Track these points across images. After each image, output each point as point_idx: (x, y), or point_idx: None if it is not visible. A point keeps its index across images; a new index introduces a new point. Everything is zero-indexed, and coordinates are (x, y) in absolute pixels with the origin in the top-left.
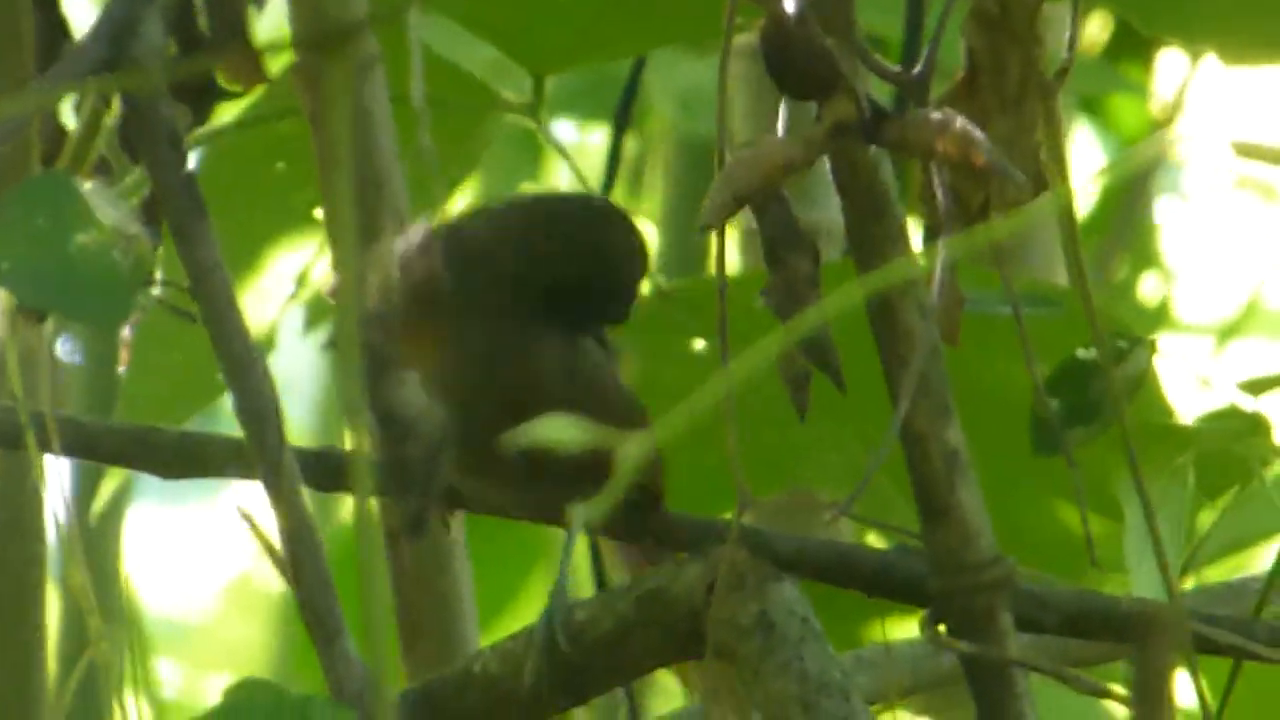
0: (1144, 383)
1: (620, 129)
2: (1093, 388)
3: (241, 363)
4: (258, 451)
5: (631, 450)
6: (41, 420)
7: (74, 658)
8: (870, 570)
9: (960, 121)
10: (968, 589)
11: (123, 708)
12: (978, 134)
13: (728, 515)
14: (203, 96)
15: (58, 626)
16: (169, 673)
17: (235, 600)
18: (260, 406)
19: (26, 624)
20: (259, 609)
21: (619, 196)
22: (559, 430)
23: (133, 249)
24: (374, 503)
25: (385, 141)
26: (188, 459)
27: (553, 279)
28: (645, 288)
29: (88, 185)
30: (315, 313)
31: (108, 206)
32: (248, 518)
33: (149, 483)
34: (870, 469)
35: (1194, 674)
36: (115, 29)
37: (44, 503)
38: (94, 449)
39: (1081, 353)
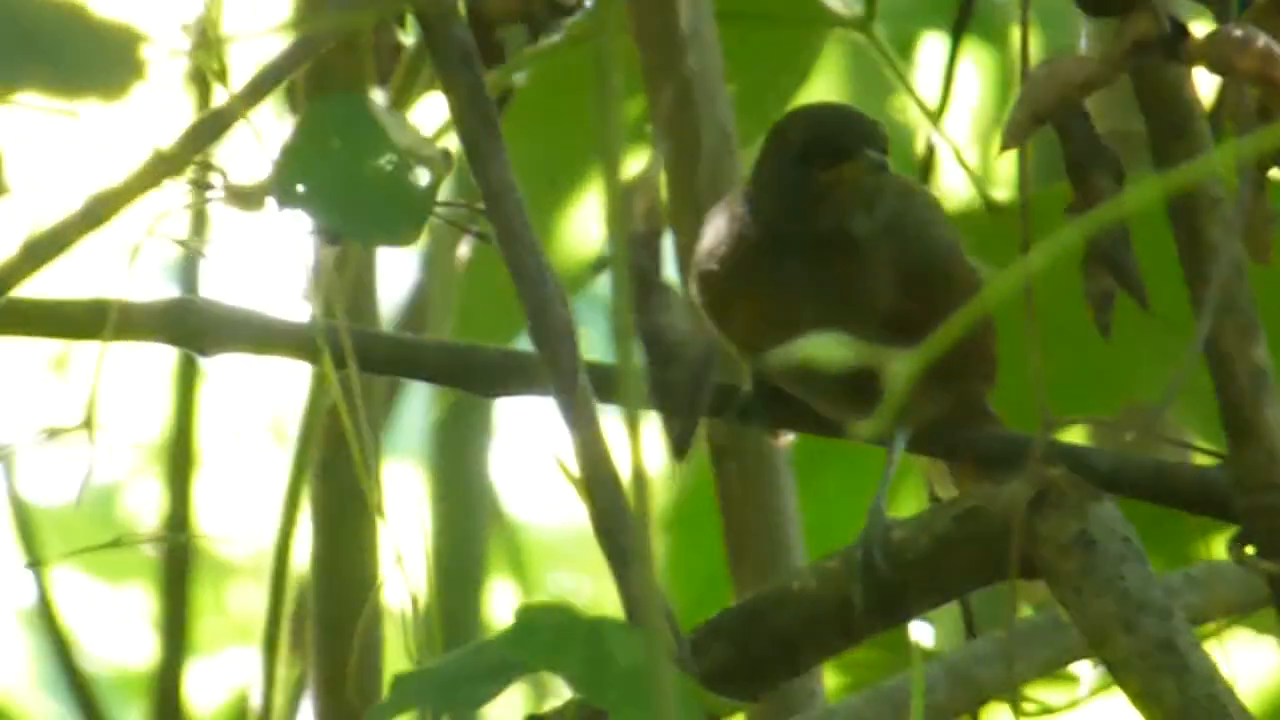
0: None
1: (957, 40)
2: None
3: (534, 282)
4: (552, 372)
5: (901, 369)
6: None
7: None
8: (1190, 487)
9: (1263, 39)
10: (1275, 507)
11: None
12: (1277, 51)
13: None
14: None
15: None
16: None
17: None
18: (555, 325)
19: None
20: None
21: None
22: (825, 348)
23: (427, 170)
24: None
25: (712, 60)
26: (508, 376)
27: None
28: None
29: (380, 105)
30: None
31: (401, 128)
32: (559, 460)
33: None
34: (1172, 387)
35: None
36: None
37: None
38: (417, 367)
39: None
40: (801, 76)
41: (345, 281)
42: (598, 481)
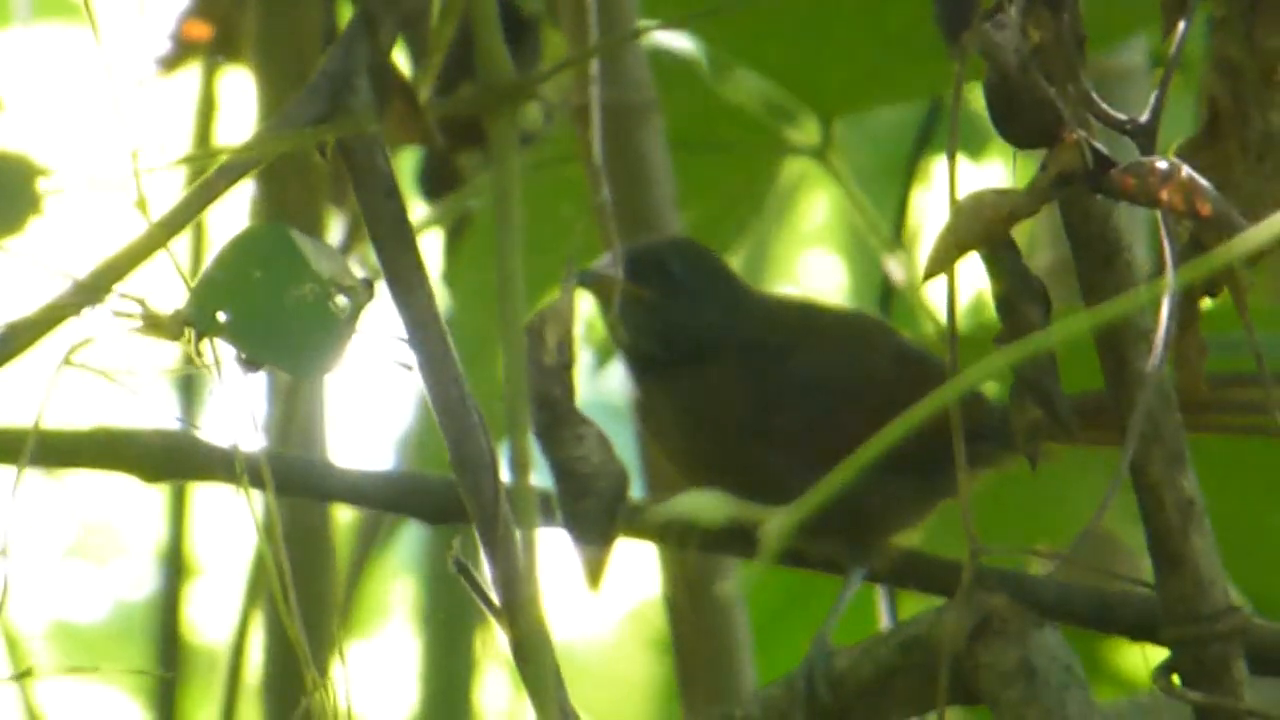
0: None
1: (911, 174)
2: None
3: (455, 413)
4: (473, 501)
5: (779, 524)
6: (293, 464)
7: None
8: (1133, 616)
9: (1186, 170)
10: (1201, 638)
11: None
12: (1204, 183)
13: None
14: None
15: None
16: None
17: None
18: (476, 455)
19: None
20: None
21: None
22: (703, 506)
23: (349, 299)
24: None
25: (661, 185)
26: (449, 505)
27: None
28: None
29: (302, 236)
30: (605, 352)
31: (324, 258)
32: (463, 566)
33: None
34: (1096, 516)
35: None
36: (333, 84)
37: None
38: (360, 496)
39: None
40: (758, 204)
41: (288, 411)
42: (516, 608)
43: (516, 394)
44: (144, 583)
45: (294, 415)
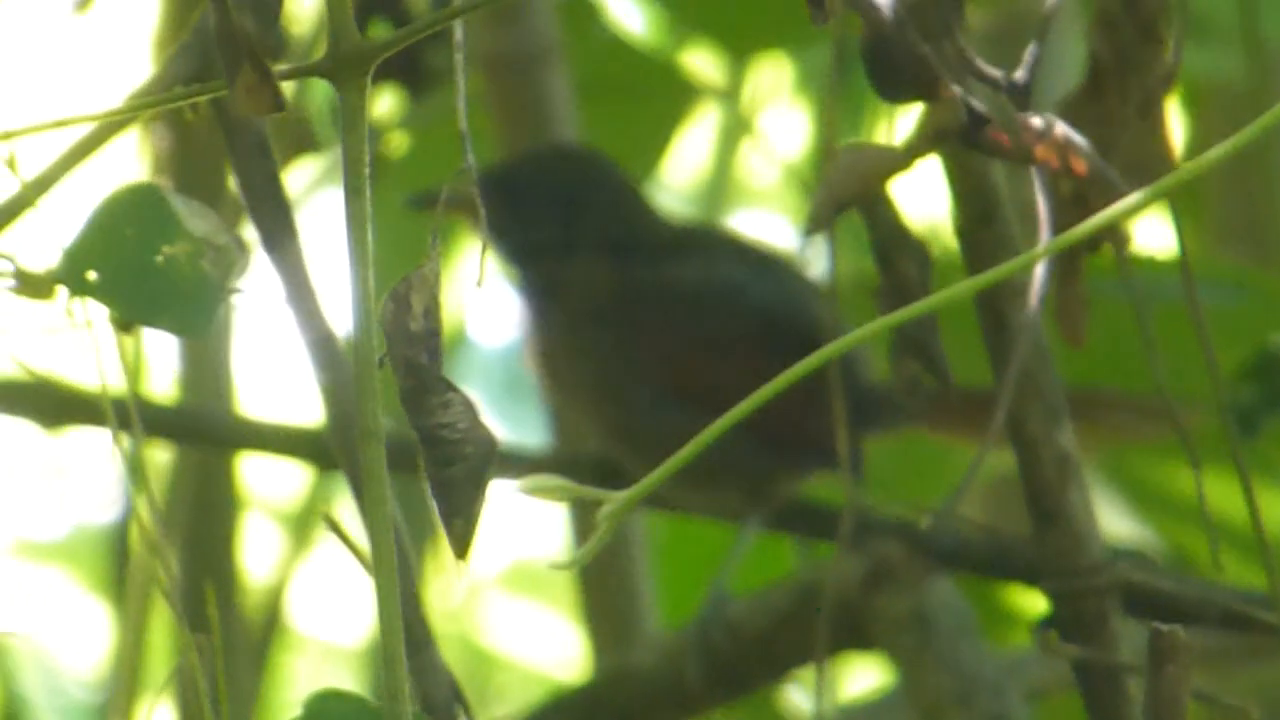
0: None
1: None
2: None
3: (331, 369)
4: (341, 450)
5: (619, 503)
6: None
7: None
8: (1031, 564)
9: (1060, 127)
10: (1078, 592)
11: None
12: (1079, 141)
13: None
14: (414, 80)
15: None
16: None
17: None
18: (349, 414)
19: None
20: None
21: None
22: (543, 486)
23: (222, 259)
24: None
25: (564, 131)
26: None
27: None
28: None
29: (176, 195)
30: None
31: (197, 216)
32: (332, 521)
33: None
34: (970, 472)
35: None
36: (205, 42)
37: None
38: (249, 443)
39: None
40: (663, 149)
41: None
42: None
43: (366, 365)
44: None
45: (203, 369)
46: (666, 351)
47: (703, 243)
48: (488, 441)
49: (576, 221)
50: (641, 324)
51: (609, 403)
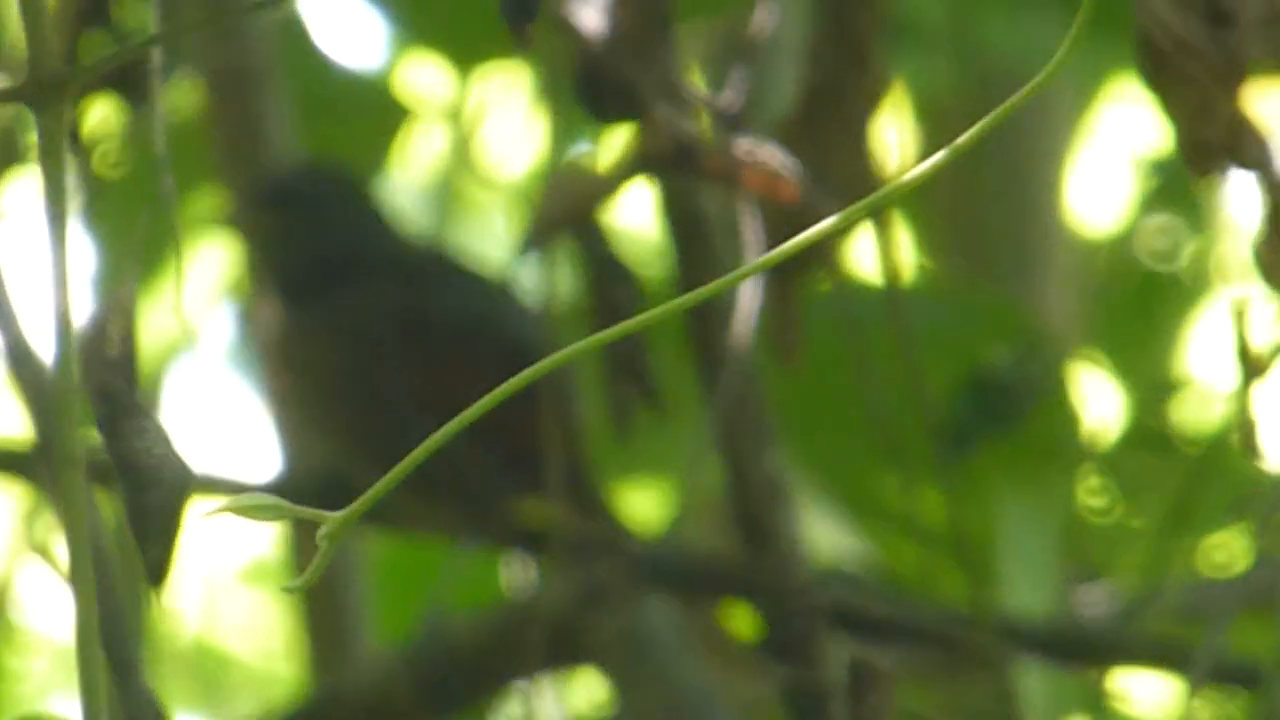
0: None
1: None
2: (994, 396)
3: (29, 376)
4: (45, 458)
5: (337, 523)
6: None
7: None
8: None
9: (767, 152)
10: (786, 613)
11: None
12: (786, 165)
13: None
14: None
15: None
16: None
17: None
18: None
19: None
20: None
21: None
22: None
23: None
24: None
25: (282, 147)
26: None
27: None
28: None
29: None
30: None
31: None
32: (38, 545)
33: None
34: (686, 492)
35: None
36: None
37: None
38: None
39: (993, 358)
40: (377, 165)
41: None
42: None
43: (67, 389)
44: None
45: None
46: (419, 370)
47: (447, 267)
48: (182, 468)
49: (334, 239)
50: (400, 345)
51: (353, 409)
